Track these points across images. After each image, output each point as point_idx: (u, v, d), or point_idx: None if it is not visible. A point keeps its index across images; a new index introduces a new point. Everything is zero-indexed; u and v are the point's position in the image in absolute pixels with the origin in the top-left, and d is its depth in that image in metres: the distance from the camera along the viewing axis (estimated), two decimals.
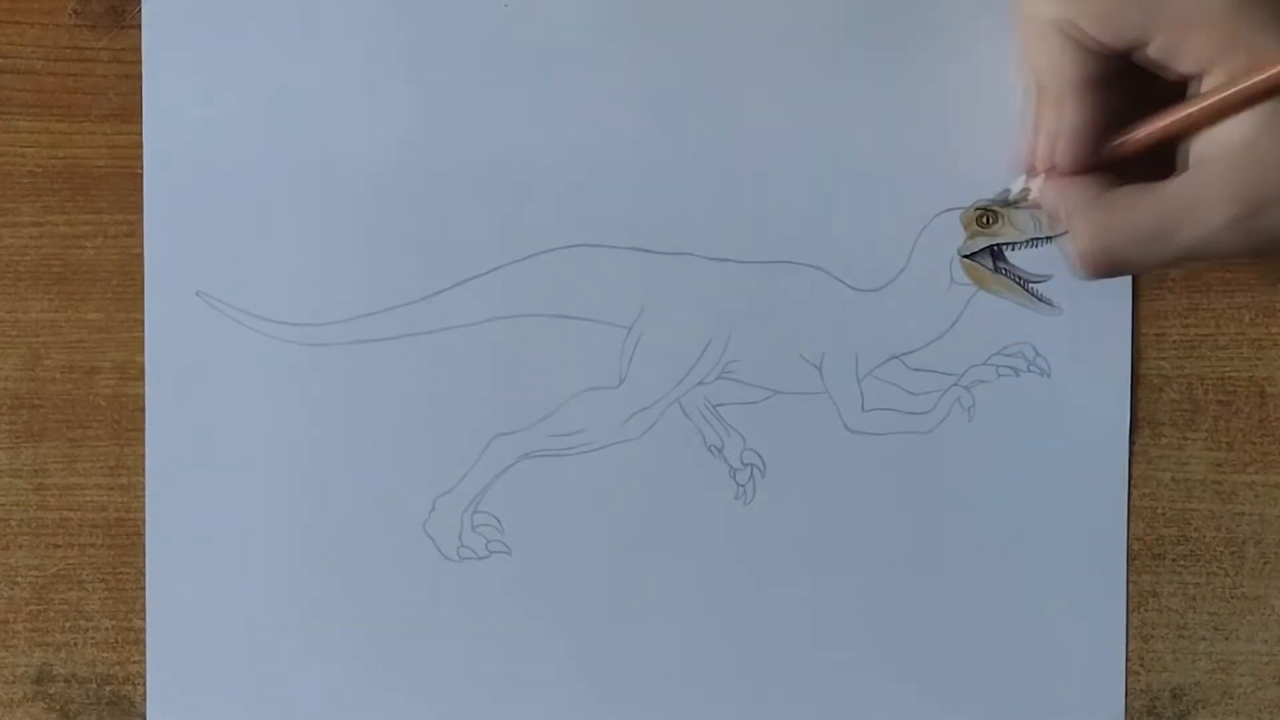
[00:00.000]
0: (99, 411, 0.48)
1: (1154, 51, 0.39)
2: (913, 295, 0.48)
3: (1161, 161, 0.41)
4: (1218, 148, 0.39)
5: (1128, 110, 0.41)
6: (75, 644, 0.48)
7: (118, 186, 0.47)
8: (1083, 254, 0.41)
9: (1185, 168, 0.40)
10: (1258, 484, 0.49)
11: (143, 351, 0.47)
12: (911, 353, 0.48)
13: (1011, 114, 0.47)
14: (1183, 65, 0.39)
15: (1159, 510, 0.49)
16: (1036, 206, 0.46)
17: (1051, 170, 0.42)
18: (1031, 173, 0.44)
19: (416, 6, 0.47)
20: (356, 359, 0.47)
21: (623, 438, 0.48)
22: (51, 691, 0.48)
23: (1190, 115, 0.39)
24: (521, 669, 0.48)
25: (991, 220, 0.47)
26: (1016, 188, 0.46)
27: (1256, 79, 0.38)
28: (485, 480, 0.48)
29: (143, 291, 0.47)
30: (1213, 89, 0.39)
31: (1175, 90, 0.40)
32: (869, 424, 0.48)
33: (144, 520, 0.48)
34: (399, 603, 0.48)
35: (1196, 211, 0.39)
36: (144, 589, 0.48)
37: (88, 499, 0.48)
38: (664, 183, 0.47)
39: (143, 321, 0.47)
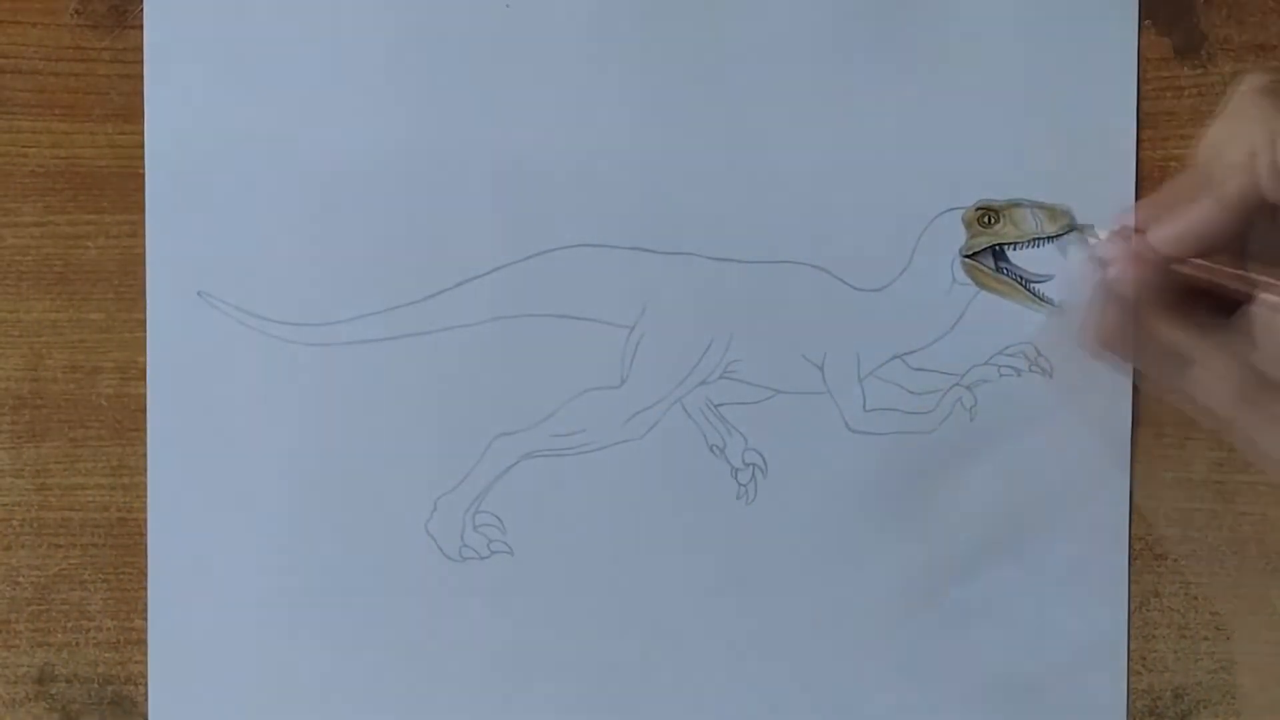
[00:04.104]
0: (101, 411, 0.48)
1: None
2: (914, 295, 0.48)
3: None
4: (1257, 334, 0.37)
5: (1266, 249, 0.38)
6: (77, 644, 0.48)
7: (119, 186, 0.47)
8: (1090, 334, 0.39)
9: (1238, 327, 0.38)
10: (1259, 484, 0.49)
11: (144, 351, 0.47)
12: (913, 352, 0.48)
13: (1011, 114, 0.47)
14: None
15: (1161, 510, 0.49)
16: (1038, 206, 0.46)
17: (1138, 235, 0.39)
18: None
19: (417, 6, 0.47)
20: (358, 359, 0.47)
21: (624, 438, 0.48)
22: (53, 691, 0.48)
23: (1249, 289, 0.37)
24: (523, 668, 0.48)
25: (993, 220, 0.47)
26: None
27: None
28: (487, 480, 0.48)
29: (144, 291, 0.47)
30: None
31: None
32: (871, 424, 0.48)
33: (145, 520, 0.48)
34: (401, 603, 0.48)
35: (1198, 377, 0.37)
36: (145, 589, 0.48)
37: (89, 499, 0.48)
38: (665, 182, 0.47)
39: (144, 321, 0.47)
